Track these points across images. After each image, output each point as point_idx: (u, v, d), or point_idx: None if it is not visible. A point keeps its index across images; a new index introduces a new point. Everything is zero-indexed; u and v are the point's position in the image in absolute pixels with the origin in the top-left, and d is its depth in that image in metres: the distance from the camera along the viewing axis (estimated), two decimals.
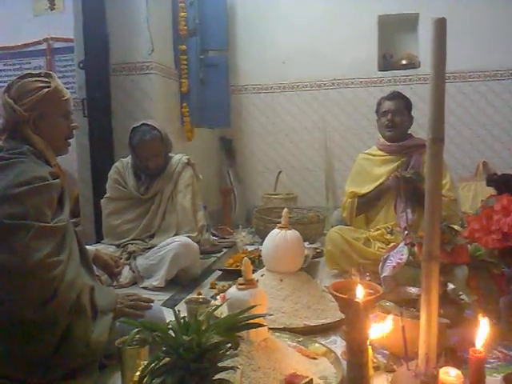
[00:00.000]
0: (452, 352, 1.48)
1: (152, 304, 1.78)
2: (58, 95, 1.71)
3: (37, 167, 1.57)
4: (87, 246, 2.40)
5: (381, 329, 1.38)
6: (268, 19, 4.64)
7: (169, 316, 1.60)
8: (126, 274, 2.63)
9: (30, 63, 4.92)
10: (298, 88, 4.69)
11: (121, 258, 2.69)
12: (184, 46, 3.90)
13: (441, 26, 1.20)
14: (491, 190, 2.67)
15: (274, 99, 4.76)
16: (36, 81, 1.68)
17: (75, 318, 1.49)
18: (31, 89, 1.65)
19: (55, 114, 1.71)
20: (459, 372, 1.17)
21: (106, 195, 2.98)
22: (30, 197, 1.47)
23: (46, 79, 1.70)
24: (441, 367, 1.20)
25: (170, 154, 2.98)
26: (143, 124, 2.84)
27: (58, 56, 4.94)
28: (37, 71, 1.74)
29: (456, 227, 1.89)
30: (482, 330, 1.24)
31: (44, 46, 4.97)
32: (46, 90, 1.67)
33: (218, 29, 4.29)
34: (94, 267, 2.31)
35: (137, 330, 1.12)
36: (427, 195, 1.23)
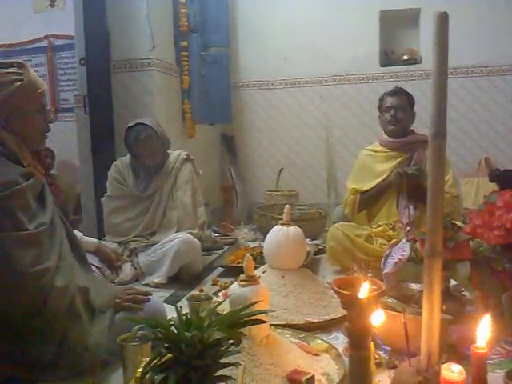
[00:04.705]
0: (454, 348, 1.47)
1: (150, 297, 1.77)
2: (32, 88, 1.58)
3: (5, 170, 1.47)
4: (89, 238, 2.40)
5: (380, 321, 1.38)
6: (269, 15, 4.62)
7: (171, 313, 1.60)
8: (127, 270, 2.63)
9: (30, 60, 4.91)
10: (300, 84, 4.68)
11: (123, 255, 2.70)
12: (185, 43, 3.89)
13: (443, 20, 1.19)
14: (493, 186, 2.66)
15: (275, 95, 4.75)
16: (7, 73, 1.54)
17: (70, 323, 1.47)
18: (2, 82, 1.52)
19: (29, 109, 1.58)
20: (461, 368, 1.16)
21: (106, 194, 2.98)
22: (1, 206, 1.39)
23: (19, 70, 1.56)
24: (443, 363, 1.20)
25: (168, 151, 2.98)
26: (138, 123, 2.83)
27: (58, 53, 4.95)
28: (8, 61, 1.58)
29: (458, 223, 1.89)
30: (485, 328, 1.23)
31: (45, 44, 4.98)
32: (19, 83, 1.54)
33: (219, 25, 4.29)
34: (97, 259, 2.31)
35: (139, 326, 1.12)
36: (429, 191, 1.22)
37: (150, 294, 1.80)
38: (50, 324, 1.44)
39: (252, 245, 3.28)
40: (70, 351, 1.46)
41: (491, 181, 2.77)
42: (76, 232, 2.10)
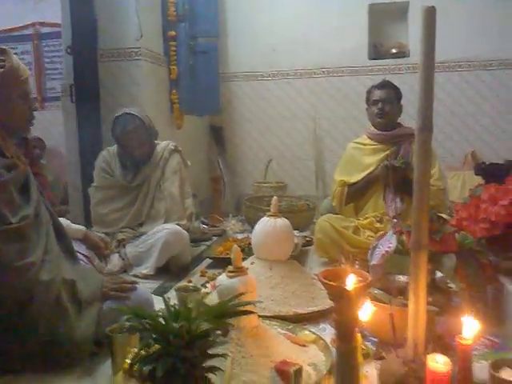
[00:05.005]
0: (440, 339, 1.49)
1: (137, 286, 1.76)
2: (15, 75, 1.53)
3: None
4: (77, 226, 2.38)
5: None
6: (259, 6, 4.60)
7: (159, 304, 1.60)
8: (115, 261, 2.62)
9: (17, 48, 4.85)
10: (289, 76, 4.67)
11: (111, 246, 2.69)
12: (173, 32, 3.85)
13: (430, 14, 1.20)
14: (479, 180, 2.70)
15: (264, 87, 4.74)
16: None
17: (57, 318, 1.46)
18: None
19: (12, 96, 1.53)
20: (447, 359, 1.18)
21: (93, 184, 2.95)
22: None
23: (1, 57, 1.51)
24: (429, 354, 1.21)
25: (156, 142, 2.96)
26: (125, 113, 2.81)
27: (45, 41, 4.88)
28: None
29: (444, 216, 1.91)
30: (471, 323, 1.25)
31: (31, 31, 4.91)
32: (1, 69, 1.49)
33: (208, 15, 4.25)
34: (84, 247, 2.29)
35: (127, 317, 1.12)
36: (415, 184, 1.23)
37: (137, 283, 1.80)
38: (35, 319, 1.43)
39: (240, 236, 3.28)
40: (56, 346, 1.46)
41: (477, 174, 2.81)
42: (63, 219, 2.08)
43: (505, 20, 4.24)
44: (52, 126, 4.65)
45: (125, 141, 2.81)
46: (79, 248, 2.21)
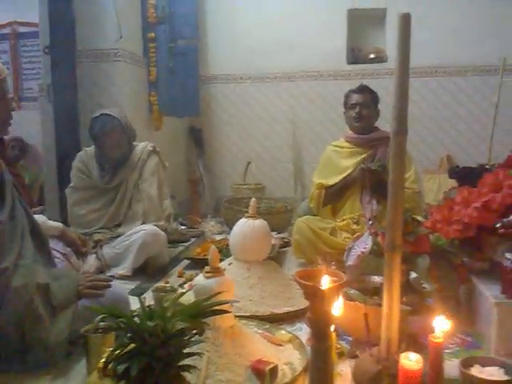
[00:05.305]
0: (413, 338, 1.52)
1: (111, 283, 1.75)
2: None
3: None
4: (53, 222, 2.35)
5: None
6: (239, 9, 4.61)
7: (135, 305, 1.59)
8: (92, 262, 2.60)
9: None
10: (268, 79, 4.69)
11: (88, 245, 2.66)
12: (153, 34, 3.85)
13: (405, 20, 1.23)
14: (454, 183, 2.75)
15: (243, 89, 4.75)
16: None
17: (29, 323, 1.44)
18: None
19: None
20: (419, 357, 1.21)
21: (70, 185, 2.93)
22: None
23: None
24: (402, 352, 1.24)
25: (134, 143, 2.95)
26: (103, 113, 2.80)
27: (23, 41, 4.83)
28: None
29: (419, 218, 1.94)
30: (443, 323, 1.28)
31: (8, 31, 4.85)
32: None
33: (188, 17, 4.24)
34: (61, 244, 2.26)
35: (101, 316, 1.12)
36: (390, 186, 1.26)
37: (111, 281, 1.79)
38: (7, 324, 1.41)
39: (218, 237, 3.29)
40: (31, 349, 1.44)
41: (450, 177, 2.86)
42: (40, 216, 2.05)
43: (480, 28, 4.32)
44: (29, 125, 4.59)
45: (102, 142, 2.79)
46: (56, 245, 2.18)
